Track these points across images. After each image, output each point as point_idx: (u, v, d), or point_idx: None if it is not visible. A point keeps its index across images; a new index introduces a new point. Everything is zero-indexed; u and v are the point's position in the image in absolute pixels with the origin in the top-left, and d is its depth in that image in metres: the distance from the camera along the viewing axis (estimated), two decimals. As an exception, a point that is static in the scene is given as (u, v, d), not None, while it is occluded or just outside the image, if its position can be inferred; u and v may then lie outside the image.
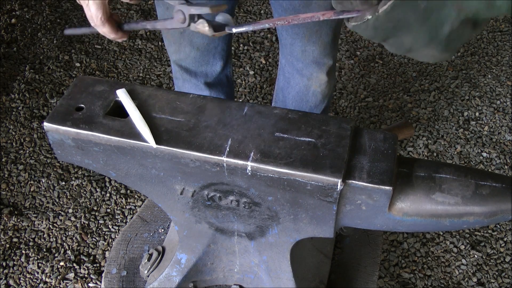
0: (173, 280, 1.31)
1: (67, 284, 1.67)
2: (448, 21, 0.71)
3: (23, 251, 1.75)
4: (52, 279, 1.68)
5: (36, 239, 1.78)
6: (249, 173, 0.93)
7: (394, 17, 0.72)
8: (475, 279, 1.71)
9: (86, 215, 1.84)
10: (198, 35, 1.42)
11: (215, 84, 1.60)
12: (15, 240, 1.77)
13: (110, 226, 1.82)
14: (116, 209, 1.87)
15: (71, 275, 1.69)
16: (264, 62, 2.47)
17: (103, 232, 1.80)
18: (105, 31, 0.98)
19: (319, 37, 1.40)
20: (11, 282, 1.67)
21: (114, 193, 1.91)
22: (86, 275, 1.69)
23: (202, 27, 0.89)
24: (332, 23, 1.39)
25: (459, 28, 0.71)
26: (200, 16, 0.89)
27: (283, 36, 1.46)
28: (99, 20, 0.95)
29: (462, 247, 1.79)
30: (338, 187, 0.90)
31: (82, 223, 1.83)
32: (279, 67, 1.63)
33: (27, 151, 2.04)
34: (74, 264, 1.71)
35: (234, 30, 0.90)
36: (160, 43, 2.56)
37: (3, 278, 1.68)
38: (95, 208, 1.87)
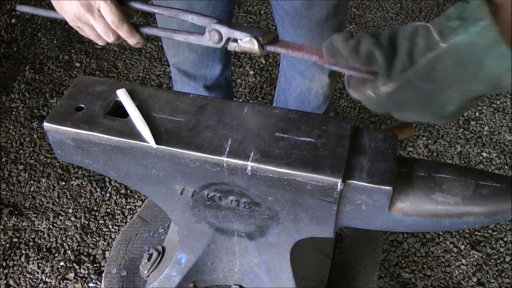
0: (173, 280, 1.31)
1: (67, 284, 1.67)
2: (452, 103, 0.69)
3: (23, 251, 1.75)
4: (52, 279, 1.68)
5: (36, 239, 1.78)
6: (249, 173, 0.93)
7: (397, 98, 0.71)
8: (475, 279, 1.72)
9: (86, 215, 1.84)
10: None
11: (214, 87, 1.60)
12: (15, 240, 1.77)
13: (110, 226, 1.82)
14: (116, 209, 1.87)
15: (71, 275, 1.69)
16: (264, 62, 2.47)
17: (103, 232, 1.80)
18: (122, 34, 0.94)
19: (321, 39, 1.39)
20: (11, 282, 1.67)
21: (114, 193, 1.91)
22: (86, 275, 1.69)
23: (251, 45, 0.87)
24: (334, 25, 1.38)
25: (463, 104, 0.69)
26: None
27: (285, 38, 1.45)
28: (116, 23, 0.91)
29: (462, 247, 1.79)
30: (338, 187, 0.90)
31: (82, 223, 1.83)
32: (280, 68, 1.63)
33: (27, 151, 2.04)
34: (74, 264, 1.71)
35: (269, 49, 0.88)
36: (160, 43, 2.56)
37: (3, 278, 1.68)
38: (95, 208, 1.87)
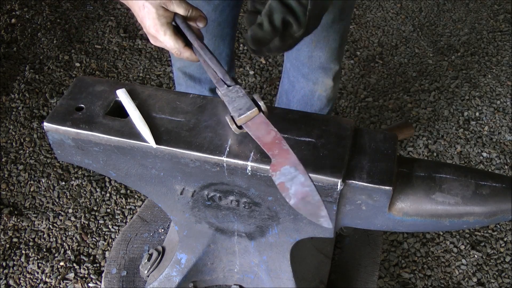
0: (173, 280, 1.31)
1: (67, 284, 1.67)
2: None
3: (23, 251, 1.75)
4: (52, 279, 1.68)
5: (36, 239, 1.78)
6: (249, 173, 0.93)
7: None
8: (475, 279, 1.71)
9: (86, 215, 1.84)
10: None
11: None
12: (15, 240, 1.77)
13: (110, 226, 1.82)
14: (116, 209, 1.87)
15: (71, 275, 1.69)
16: (264, 62, 2.47)
17: (103, 232, 1.80)
18: (186, 56, 0.99)
19: (326, 43, 1.39)
20: (11, 282, 1.67)
21: (114, 193, 1.91)
22: (86, 275, 1.69)
23: (229, 121, 0.92)
24: (340, 29, 1.38)
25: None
26: None
27: None
28: (178, 50, 0.97)
29: (462, 247, 1.79)
30: (338, 187, 0.90)
31: (82, 223, 1.83)
32: (283, 70, 1.63)
33: (27, 151, 2.04)
34: (74, 264, 1.71)
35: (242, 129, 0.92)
36: (160, 43, 2.56)
37: (3, 278, 1.68)
38: (95, 208, 1.87)
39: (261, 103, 0.90)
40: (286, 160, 0.86)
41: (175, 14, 0.96)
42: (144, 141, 0.95)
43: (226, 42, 1.47)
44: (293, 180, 0.84)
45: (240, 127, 0.90)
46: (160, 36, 0.96)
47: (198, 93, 1.55)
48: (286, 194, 0.85)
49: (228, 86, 0.92)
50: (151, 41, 1.00)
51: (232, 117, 0.90)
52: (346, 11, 1.35)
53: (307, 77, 1.50)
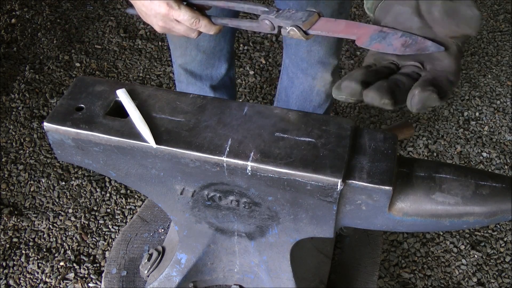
0: (173, 280, 1.31)
1: (67, 284, 1.67)
2: None
3: (23, 251, 1.75)
4: (52, 279, 1.68)
5: (36, 239, 1.78)
6: (249, 173, 0.93)
7: None
8: (475, 279, 1.72)
9: (86, 215, 1.85)
10: (205, 39, 1.42)
11: (219, 86, 1.60)
12: (15, 240, 1.77)
13: (110, 226, 1.82)
14: (116, 209, 1.87)
15: (71, 275, 1.69)
16: (264, 62, 2.47)
17: (103, 232, 1.81)
18: (203, 29, 1.00)
19: (325, 37, 1.39)
20: (11, 282, 1.67)
21: (114, 193, 1.91)
22: (86, 275, 1.69)
23: (295, 34, 0.92)
24: None
25: None
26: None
27: None
28: (197, 18, 0.97)
29: (462, 247, 1.79)
30: (338, 187, 0.90)
31: (82, 223, 1.83)
32: (282, 66, 1.63)
33: (27, 151, 2.04)
34: (74, 264, 1.71)
35: (312, 33, 0.93)
36: (160, 43, 2.56)
37: (3, 278, 1.68)
38: (95, 208, 1.87)
39: (317, 10, 0.92)
40: (368, 30, 0.86)
41: None
42: (144, 141, 0.95)
43: (227, 38, 1.48)
44: (385, 38, 0.85)
45: (307, 34, 0.92)
46: (175, 11, 0.95)
47: (199, 89, 1.56)
48: (384, 48, 0.84)
49: (277, 11, 0.94)
50: (159, 27, 1.00)
51: (296, 26, 0.91)
52: (344, 4, 1.36)
53: (306, 72, 1.50)
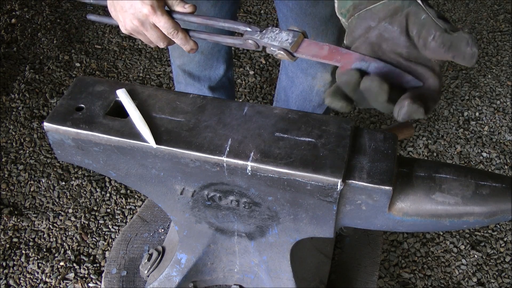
0: (173, 280, 1.31)
1: (67, 284, 1.67)
2: None
3: (23, 251, 1.75)
4: (52, 279, 1.68)
5: (36, 239, 1.78)
6: (249, 173, 0.93)
7: None
8: (475, 279, 1.72)
9: (86, 215, 1.85)
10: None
11: (218, 87, 1.60)
12: (15, 240, 1.77)
13: (110, 226, 1.82)
14: (116, 209, 1.87)
15: (71, 275, 1.69)
16: (264, 62, 2.47)
17: (103, 232, 1.81)
18: (178, 41, 0.99)
19: (325, 36, 1.39)
20: (11, 282, 1.67)
21: (114, 193, 1.91)
22: (86, 275, 1.69)
23: (282, 56, 0.93)
24: (338, 22, 1.38)
25: None
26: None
27: None
28: (175, 28, 0.97)
29: (462, 247, 1.79)
30: (338, 187, 0.90)
31: (82, 223, 1.83)
32: (281, 66, 1.63)
33: (27, 151, 2.04)
34: (74, 264, 1.71)
35: (298, 56, 0.93)
36: (160, 43, 2.56)
37: (3, 278, 1.68)
38: (95, 208, 1.87)
39: (300, 29, 0.93)
40: (351, 58, 0.87)
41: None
42: (144, 141, 0.95)
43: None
44: (367, 68, 0.86)
45: (293, 56, 0.92)
46: (157, 16, 0.94)
47: (197, 90, 1.56)
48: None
49: (261, 31, 0.94)
50: (130, 26, 0.97)
51: (284, 50, 0.91)
52: None
53: (306, 71, 1.50)
